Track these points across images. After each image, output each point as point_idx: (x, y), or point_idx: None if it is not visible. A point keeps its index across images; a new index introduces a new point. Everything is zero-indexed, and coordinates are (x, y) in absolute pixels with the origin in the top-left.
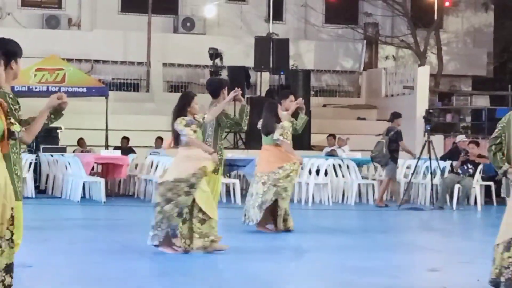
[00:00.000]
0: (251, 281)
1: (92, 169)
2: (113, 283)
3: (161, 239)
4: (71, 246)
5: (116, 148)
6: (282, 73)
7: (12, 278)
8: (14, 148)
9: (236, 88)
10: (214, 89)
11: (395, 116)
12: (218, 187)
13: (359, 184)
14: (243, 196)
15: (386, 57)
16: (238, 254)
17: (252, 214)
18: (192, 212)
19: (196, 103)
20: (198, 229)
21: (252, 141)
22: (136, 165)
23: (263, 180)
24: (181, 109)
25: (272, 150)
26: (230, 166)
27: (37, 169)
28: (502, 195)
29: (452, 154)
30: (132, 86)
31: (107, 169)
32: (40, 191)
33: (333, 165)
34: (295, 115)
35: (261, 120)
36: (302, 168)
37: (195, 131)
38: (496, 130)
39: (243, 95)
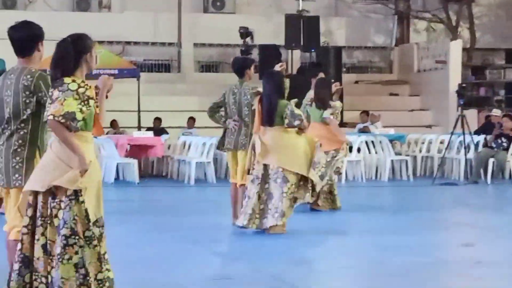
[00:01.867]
0: (280, 257)
1: (126, 150)
2: (148, 264)
3: None
4: (106, 229)
5: (148, 129)
6: (313, 50)
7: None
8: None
9: (282, 63)
10: (239, 68)
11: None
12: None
13: (392, 161)
14: None
15: (426, 29)
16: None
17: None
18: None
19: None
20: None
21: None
22: (169, 146)
23: None
24: (281, 90)
25: (319, 128)
26: None
27: None
28: None
29: (485, 128)
30: (163, 67)
31: (139, 150)
32: None
33: (366, 142)
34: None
35: (310, 94)
36: (350, 150)
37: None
38: None
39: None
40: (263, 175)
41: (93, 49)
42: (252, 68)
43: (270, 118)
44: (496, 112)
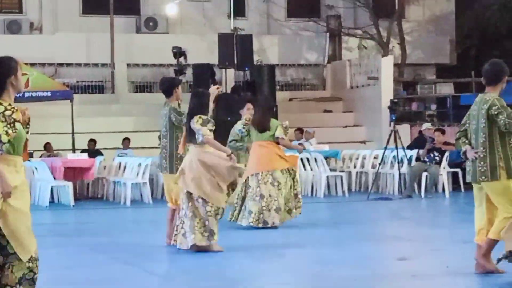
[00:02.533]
0: (217, 276)
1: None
2: (84, 286)
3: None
4: (40, 252)
5: (83, 151)
6: (247, 69)
7: None
8: None
9: (218, 86)
10: (167, 88)
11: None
12: None
13: (327, 177)
14: None
15: (358, 46)
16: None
17: (269, 216)
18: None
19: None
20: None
21: (219, 136)
22: (104, 167)
23: (270, 180)
24: (198, 108)
25: (269, 147)
26: None
27: None
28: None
29: (418, 142)
30: (97, 88)
31: (74, 173)
32: None
33: (301, 159)
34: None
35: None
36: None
37: (211, 130)
38: (464, 118)
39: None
40: (187, 195)
41: (19, 71)
42: (180, 88)
43: (191, 135)
44: (428, 126)
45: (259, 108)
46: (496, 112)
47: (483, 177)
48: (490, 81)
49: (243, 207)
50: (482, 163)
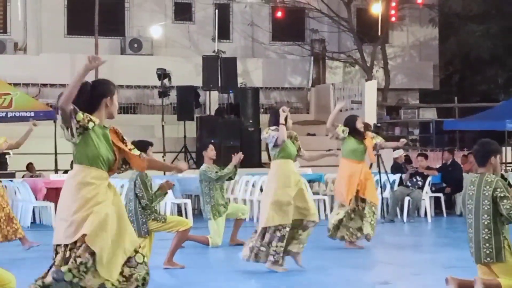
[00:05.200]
0: None
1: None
2: None
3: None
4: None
5: (66, 172)
6: (231, 91)
7: None
8: None
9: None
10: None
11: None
12: None
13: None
14: (195, 215)
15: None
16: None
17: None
18: None
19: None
20: None
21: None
22: None
23: None
24: None
25: None
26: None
27: None
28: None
29: (393, 169)
30: None
31: (56, 193)
32: None
33: None
34: None
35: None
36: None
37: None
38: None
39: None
40: None
41: (115, 95)
42: (150, 151)
43: None
44: (399, 152)
45: None
46: (502, 195)
47: (488, 259)
48: (480, 162)
49: None
50: (487, 244)
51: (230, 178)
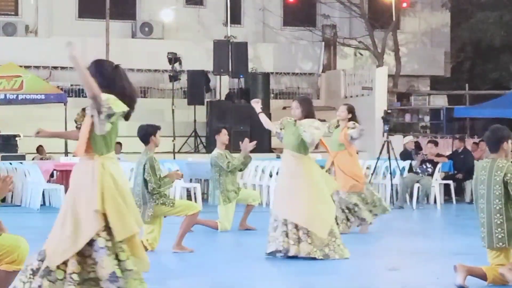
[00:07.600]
0: None
1: (52, 175)
2: None
3: None
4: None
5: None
6: (241, 76)
7: None
8: None
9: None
10: (143, 136)
11: None
12: None
13: None
14: (204, 200)
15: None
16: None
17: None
18: None
19: None
20: None
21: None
22: None
23: None
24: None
25: None
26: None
27: None
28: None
29: (403, 156)
30: None
31: (66, 176)
32: None
33: None
34: None
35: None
36: None
37: None
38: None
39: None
40: None
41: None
42: (158, 135)
43: None
44: (410, 139)
45: None
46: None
47: (501, 243)
48: (492, 148)
49: None
50: (499, 229)
51: (242, 169)
